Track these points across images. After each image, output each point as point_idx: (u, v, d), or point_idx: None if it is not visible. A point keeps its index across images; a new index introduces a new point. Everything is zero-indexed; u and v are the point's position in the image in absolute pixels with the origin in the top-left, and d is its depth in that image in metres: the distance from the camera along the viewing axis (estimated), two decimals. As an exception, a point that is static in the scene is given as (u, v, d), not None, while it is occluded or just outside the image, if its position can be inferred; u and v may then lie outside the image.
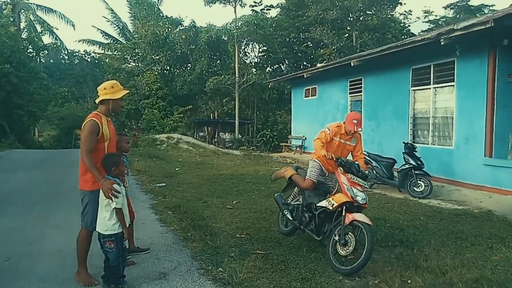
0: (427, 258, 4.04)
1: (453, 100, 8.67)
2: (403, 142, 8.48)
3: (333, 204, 4.01)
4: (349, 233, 3.89)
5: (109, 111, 3.44)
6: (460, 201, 7.39)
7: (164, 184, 8.50)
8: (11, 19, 18.47)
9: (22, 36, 21.68)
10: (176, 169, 10.79)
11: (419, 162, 7.88)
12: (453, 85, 8.61)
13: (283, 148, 17.60)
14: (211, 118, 26.54)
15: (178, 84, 22.56)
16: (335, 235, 3.92)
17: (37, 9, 29.46)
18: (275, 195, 5.12)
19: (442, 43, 7.55)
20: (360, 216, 3.84)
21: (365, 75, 11.75)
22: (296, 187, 4.96)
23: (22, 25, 27.58)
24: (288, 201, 4.97)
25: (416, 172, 7.83)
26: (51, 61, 36.49)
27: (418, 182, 7.79)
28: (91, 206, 3.24)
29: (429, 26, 26.50)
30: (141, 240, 4.55)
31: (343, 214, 3.94)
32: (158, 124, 19.83)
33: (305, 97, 15.91)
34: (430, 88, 9.29)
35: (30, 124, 22.38)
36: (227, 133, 24.72)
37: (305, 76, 14.15)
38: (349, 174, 4.11)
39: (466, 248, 4.50)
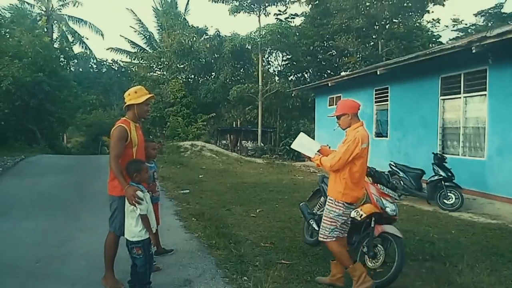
0: (461, 274, 3.86)
1: (485, 110, 8.35)
2: (433, 153, 8.22)
3: (361, 215, 3.89)
4: (378, 245, 3.77)
5: (135, 116, 3.48)
6: (493, 215, 7.07)
7: (188, 190, 8.56)
8: (45, 30, 19.29)
9: (55, 46, 22.58)
10: (200, 176, 10.86)
11: (449, 174, 7.62)
12: (485, 94, 8.29)
13: (306, 157, 17.41)
14: (234, 126, 26.66)
15: (202, 92, 22.85)
16: (363, 247, 3.81)
17: (69, 19, 30.75)
18: (300, 204, 5.04)
19: (474, 51, 7.31)
20: (390, 228, 3.71)
21: (391, 83, 11.53)
22: (322, 197, 4.87)
23: (55, 35, 28.79)
24: (314, 211, 4.88)
25: (446, 183, 7.56)
26: (80, 69, 37.74)
27: (448, 194, 7.52)
28: (120, 211, 3.27)
29: (457, 34, 25.80)
30: (166, 247, 4.56)
31: (372, 225, 3.82)
32: (182, 132, 20.09)
33: (329, 105, 15.75)
34: (460, 97, 8.99)
35: (60, 130, 23.16)
36: (249, 141, 24.72)
37: (329, 85, 14.02)
38: (378, 185, 3.99)
39: (503, 265, 4.28)
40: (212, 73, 24.95)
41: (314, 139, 18.67)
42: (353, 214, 3.95)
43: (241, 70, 24.25)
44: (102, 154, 22.26)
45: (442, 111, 9.63)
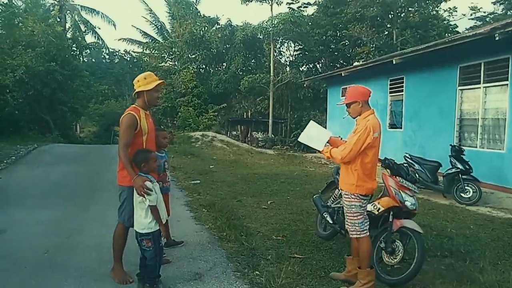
0: (483, 271, 3.69)
1: (506, 100, 8.01)
2: (450, 145, 7.96)
3: (379, 209, 3.74)
4: (397, 240, 3.61)
5: (145, 103, 3.36)
6: (513, 210, 6.82)
7: (199, 181, 8.48)
8: (58, 19, 19.30)
9: (67, 36, 22.61)
10: (211, 166, 10.78)
11: (467, 166, 7.36)
12: (507, 84, 7.96)
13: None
14: (245, 117, 26.53)
15: (213, 82, 22.71)
16: (381, 242, 3.65)
17: (81, 9, 30.81)
18: (314, 196, 4.89)
19: (497, 38, 6.98)
20: (409, 223, 3.55)
21: (407, 73, 11.20)
22: (336, 189, 4.71)
23: (68, 25, 28.85)
24: (328, 203, 4.72)
25: (463, 177, 7.32)
26: (93, 60, 37.95)
27: (466, 187, 7.28)
28: (129, 202, 3.17)
29: (475, 23, 25.05)
30: (176, 238, 4.48)
31: (390, 219, 3.66)
32: (193, 122, 20.04)
33: (342, 96, 15.44)
34: (479, 88, 8.66)
35: (73, 120, 23.31)
36: (260, 132, 24.58)
37: (343, 75, 13.73)
38: (397, 177, 3.81)
39: (527, 263, 4.08)
40: (224, 63, 24.78)
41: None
42: (370, 207, 3.79)
43: (253, 60, 24.02)
44: (114, 144, 22.34)
45: (460, 102, 9.31)
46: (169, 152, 12.93)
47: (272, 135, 21.69)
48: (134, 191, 3.02)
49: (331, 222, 4.45)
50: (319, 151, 3.59)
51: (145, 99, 3.34)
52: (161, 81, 3.41)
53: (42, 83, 15.73)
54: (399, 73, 11.31)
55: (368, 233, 3.31)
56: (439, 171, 8.03)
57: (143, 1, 29.23)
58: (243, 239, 4.48)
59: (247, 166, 11.30)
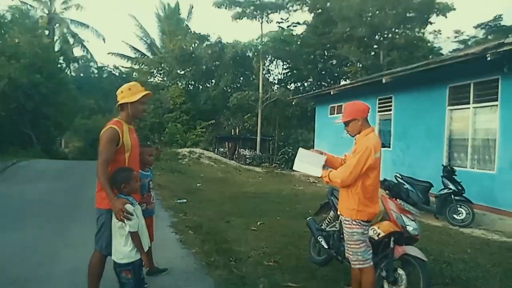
0: (489, 302, 3.46)
1: (496, 121, 8.02)
2: (442, 165, 7.88)
3: (379, 234, 3.50)
4: (399, 269, 3.37)
5: (129, 117, 3.10)
6: (507, 232, 6.68)
7: (185, 200, 8.15)
8: (46, 31, 18.90)
9: (56, 49, 22.17)
10: (198, 184, 10.46)
11: (460, 187, 7.25)
12: (497, 105, 7.98)
13: (306, 167, 17.03)
14: (232, 133, 26.33)
15: (202, 98, 22.55)
16: (382, 270, 3.41)
17: (71, 23, 30.55)
18: (308, 219, 4.64)
19: (489, 58, 7.00)
20: (412, 250, 3.33)
21: (395, 93, 11.21)
22: (332, 211, 4.48)
23: (56, 38, 28.43)
24: (323, 227, 4.48)
25: (456, 197, 7.20)
26: (81, 74, 37.64)
27: (459, 209, 7.15)
28: (107, 227, 2.87)
29: (458, 46, 25.73)
30: (160, 265, 4.15)
31: (391, 246, 3.43)
32: (180, 138, 19.71)
33: (330, 114, 15.42)
34: (469, 108, 8.67)
35: (57, 135, 22.70)
36: (247, 150, 24.37)
37: (332, 93, 13.72)
38: (398, 200, 3.61)
39: (532, 291, 3.89)
40: (213, 80, 24.69)
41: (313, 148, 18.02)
42: (369, 232, 3.56)
43: (242, 78, 24.02)
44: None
45: (449, 122, 9.31)
46: (155, 169, 12.58)
47: (260, 153, 21.49)
48: (113, 216, 2.72)
49: (326, 247, 4.19)
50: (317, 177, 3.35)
51: (129, 112, 3.08)
52: (147, 92, 3.16)
53: (26, 96, 15.24)
54: (388, 92, 11.32)
55: (371, 263, 3.07)
56: (430, 191, 7.90)
57: (134, 17, 29.28)
58: (233, 265, 4.19)
59: (235, 184, 11.01)
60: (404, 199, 3.64)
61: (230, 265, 4.17)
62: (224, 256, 4.48)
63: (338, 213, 3.33)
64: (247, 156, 22.33)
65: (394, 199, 3.63)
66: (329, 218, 4.54)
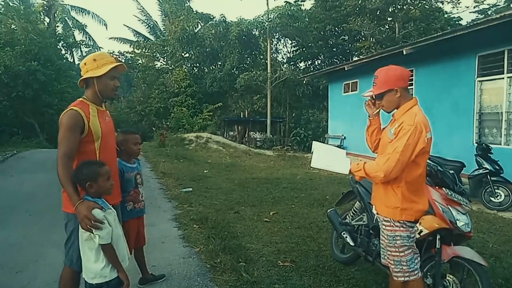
0: None
1: (535, 91, 7.14)
2: (476, 143, 7.06)
3: (421, 231, 2.79)
4: (449, 275, 2.68)
5: (97, 96, 2.41)
6: (553, 216, 5.91)
7: (191, 189, 7.54)
8: (40, 15, 18.16)
9: (58, 33, 21.42)
10: (205, 171, 9.83)
11: (497, 167, 6.45)
12: (536, 73, 7.07)
13: (319, 148, 16.28)
14: (242, 116, 25.60)
15: (207, 81, 21.74)
16: (426, 277, 2.72)
17: (71, 9, 29.84)
18: (329, 211, 3.95)
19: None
20: (466, 252, 2.63)
21: (417, 65, 10.28)
22: (357, 202, 3.78)
23: (58, 25, 27.76)
24: (347, 220, 3.79)
25: (493, 178, 6.41)
26: (85, 62, 37.16)
27: (496, 190, 6.37)
28: (77, 236, 2.22)
29: (477, 16, 24.26)
30: (158, 268, 3.55)
31: (438, 246, 2.73)
32: (187, 123, 19.05)
33: (344, 92, 14.54)
34: (503, 78, 7.75)
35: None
36: (257, 132, 23.67)
37: (346, 69, 12.81)
38: (444, 189, 2.89)
39: None
40: (218, 62, 23.82)
41: (328, 129, 17.03)
42: (410, 231, 2.85)
43: (248, 58, 23.10)
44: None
45: (479, 95, 8.41)
46: (160, 156, 12.08)
47: (271, 135, 20.78)
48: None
49: (352, 244, 3.52)
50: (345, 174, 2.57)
51: (96, 89, 2.39)
52: (118, 63, 2.44)
53: (24, 84, 14.67)
54: (409, 65, 10.36)
55: (420, 273, 2.38)
56: (462, 172, 7.11)
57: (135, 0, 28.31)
58: (242, 267, 3.55)
59: (245, 170, 10.35)
60: (450, 187, 2.92)
61: (239, 268, 3.53)
62: (232, 255, 3.85)
63: (374, 211, 2.61)
64: (257, 139, 21.65)
65: (438, 188, 2.91)
66: (354, 210, 3.85)
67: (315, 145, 2.69)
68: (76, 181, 2.13)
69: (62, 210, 2.35)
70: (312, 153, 2.59)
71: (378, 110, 2.58)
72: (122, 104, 30.59)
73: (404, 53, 9.44)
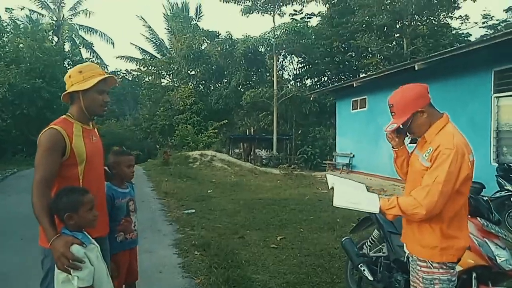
0: None
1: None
2: (497, 162, 6.66)
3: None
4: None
5: (83, 112, 2.10)
6: None
7: (194, 210, 7.18)
8: (47, 34, 18.26)
9: (65, 51, 21.61)
10: (209, 191, 9.48)
11: (521, 188, 6.02)
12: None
13: (327, 167, 15.90)
14: (247, 134, 25.36)
15: (213, 98, 21.62)
16: (462, 324, 2.32)
17: (79, 29, 30.29)
18: (343, 239, 3.55)
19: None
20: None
21: (429, 81, 9.88)
22: (376, 229, 3.40)
23: (67, 47, 28.18)
24: (364, 250, 3.40)
25: (516, 201, 5.97)
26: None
27: (521, 214, 5.92)
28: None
29: (486, 31, 24.07)
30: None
31: (474, 286, 2.34)
32: (191, 140, 18.81)
33: (352, 109, 14.26)
34: (521, 94, 7.42)
35: (67, 141, 22.15)
36: (263, 150, 23.37)
37: (354, 85, 12.55)
38: (478, 219, 2.51)
39: None
40: (224, 79, 23.78)
41: (336, 147, 16.59)
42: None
43: (254, 75, 23.03)
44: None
45: (496, 112, 8.06)
46: (163, 175, 11.76)
47: (277, 153, 20.44)
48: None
49: (371, 279, 3.12)
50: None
51: (81, 105, 2.08)
52: (107, 75, 2.14)
53: (29, 102, 14.59)
54: (420, 81, 9.84)
55: None
56: (481, 194, 6.68)
57: (142, 18, 28.66)
58: (247, 304, 3.16)
59: (250, 190, 9.97)
60: (485, 216, 2.56)
61: (244, 305, 3.14)
62: (236, 290, 3.46)
63: (406, 251, 2.22)
64: (263, 157, 21.33)
65: (469, 217, 2.53)
66: (372, 239, 3.45)
67: (331, 179, 2.32)
68: (54, 212, 1.81)
69: (38, 244, 2.02)
70: (332, 189, 2.20)
71: (402, 139, 2.24)
72: (128, 122, 30.70)
73: (416, 68, 9.16)
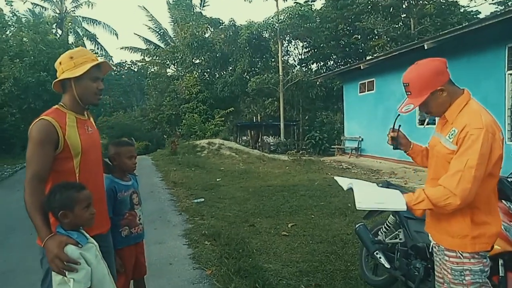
0: None
1: None
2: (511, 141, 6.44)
3: (479, 255, 2.27)
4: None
5: (76, 101, 1.96)
6: None
7: (203, 199, 7.10)
8: (48, 26, 18.09)
9: (69, 43, 21.55)
10: (217, 179, 9.40)
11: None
12: None
13: (335, 151, 15.73)
14: (254, 121, 25.21)
15: (218, 86, 21.44)
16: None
17: (83, 21, 30.16)
18: (357, 226, 3.42)
19: None
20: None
21: (439, 60, 9.67)
22: (392, 215, 3.26)
23: (71, 39, 28.11)
24: (380, 237, 3.27)
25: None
26: (103, 73, 38.07)
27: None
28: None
29: (496, 8, 23.34)
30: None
31: (502, 273, 2.21)
32: (199, 129, 18.73)
33: (360, 92, 13.99)
34: (537, 70, 7.14)
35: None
36: (271, 137, 23.23)
37: (362, 67, 12.28)
38: (503, 201, 2.36)
39: None
40: (229, 67, 23.53)
41: (344, 131, 16.39)
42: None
43: (259, 61, 22.74)
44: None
45: (510, 89, 7.80)
46: (171, 164, 11.71)
47: (284, 139, 20.29)
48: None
49: (388, 266, 3.00)
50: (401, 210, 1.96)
51: (74, 94, 1.95)
52: (100, 61, 1.99)
53: (35, 96, 14.56)
54: (430, 60, 9.79)
55: None
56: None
57: (145, 8, 28.31)
58: (260, 295, 3.07)
59: (259, 177, 9.87)
60: (511, 199, 2.40)
61: (256, 296, 3.05)
62: (248, 279, 3.38)
63: (432, 241, 2.07)
64: (271, 143, 21.20)
65: (499, 200, 2.38)
66: (387, 225, 3.32)
67: (342, 180, 2.16)
68: (48, 209, 1.70)
69: (36, 242, 1.92)
70: (352, 191, 2.01)
71: (406, 139, 2.11)
72: (136, 113, 30.82)
73: (426, 47, 8.87)
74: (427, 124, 9.69)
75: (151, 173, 10.31)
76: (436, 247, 1.92)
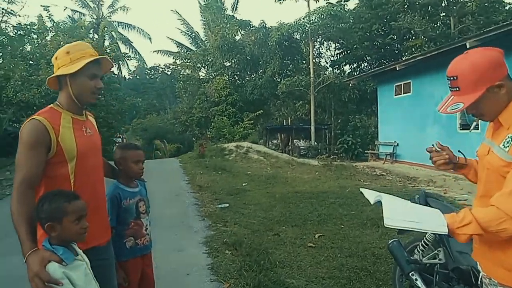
0: None
1: None
2: None
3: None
4: None
5: (72, 100, 1.76)
6: None
7: (228, 204, 6.90)
8: (83, 30, 18.68)
9: (107, 51, 22.30)
10: (244, 184, 9.18)
11: None
12: None
13: (369, 156, 15.12)
14: (284, 124, 24.89)
15: (248, 89, 21.33)
16: None
17: (118, 26, 31.23)
18: (390, 242, 3.03)
19: None
20: None
21: (483, 60, 8.98)
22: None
23: (106, 43, 29.14)
24: (416, 256, 2.89)
25: None
26: (137, 77, 39.60)
27: None
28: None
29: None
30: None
31: None
32: (228, 132, 18.68)
33: (395, 95, 13.36)
34: None
35: (110, 135, 22.79)
36: (301, 140, 22.80)
37: (397, 69, 11.69)
38: None
39: None
40: (259, 69, 23.39)
41: (378, 136, 15.62)
42: None
43: (290, 64, 22.44)
44: (155, 158, 21.69)
45: None
46: (198, 167, 11.63)
47: (315, 143, 19.82)
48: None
49: (423, 288, 2.62)
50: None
51: (70, 92, 1.76)
52: (99, 56, 1.80)
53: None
54: (473, 60, 9.11)
55: None
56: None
57: (177, 12, 28.80)
58: (280, 315, 2.78)
59: (287, 182, 9.56)
60: None
61: (276, 317, 2.77)
62: (269, 297, 3.10)
63: (481, 271, 1.70)
64: (301, 147, 20.79)
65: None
66: (424, 242, 2.92)
67: (369, 193, 1.82)
68: (37, 220, 1.52)
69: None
70: (380, 206, 1.66)
71: (455, 158, 1.75)
72: (168, 115, 31.53)
73: (468, 46, 8.23)
74: (465, 128, 8.98)
75: (178, 176, 10.28)
76: (487, 279, 1.56)
